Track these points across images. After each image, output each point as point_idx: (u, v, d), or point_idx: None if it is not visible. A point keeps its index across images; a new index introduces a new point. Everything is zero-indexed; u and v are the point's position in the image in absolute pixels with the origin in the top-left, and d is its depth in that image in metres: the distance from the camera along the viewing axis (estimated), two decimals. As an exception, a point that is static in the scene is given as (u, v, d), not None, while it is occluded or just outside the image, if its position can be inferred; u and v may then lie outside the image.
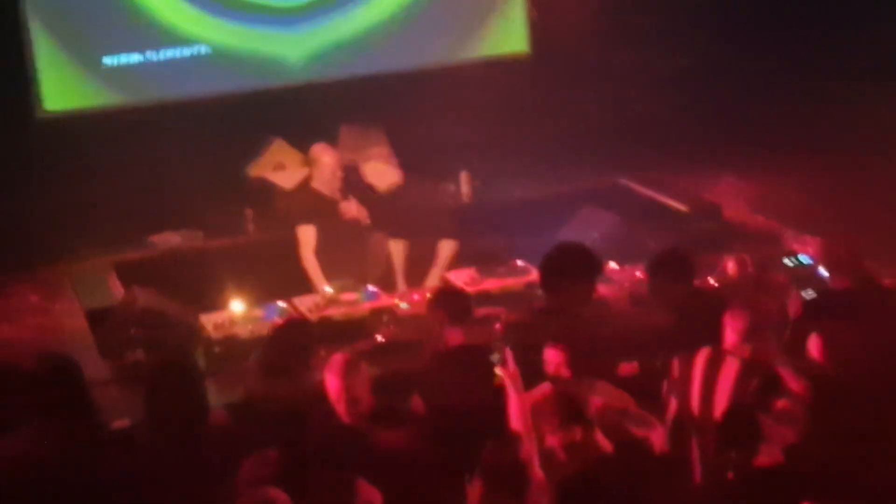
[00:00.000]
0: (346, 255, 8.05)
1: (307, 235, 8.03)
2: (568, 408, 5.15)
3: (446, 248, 8.30)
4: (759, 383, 5.19)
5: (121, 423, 5.97)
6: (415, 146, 9.52)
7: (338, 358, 5.42)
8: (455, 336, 5.85)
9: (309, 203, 8.17)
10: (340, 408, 5.31)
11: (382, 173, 9.06)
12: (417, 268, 8.37)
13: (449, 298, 6.15)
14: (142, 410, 5.50)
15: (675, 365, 5.60)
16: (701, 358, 5.51)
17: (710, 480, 5.12)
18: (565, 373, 5.49)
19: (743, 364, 5.38)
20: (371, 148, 9.46)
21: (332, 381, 5.33)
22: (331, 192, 8.16)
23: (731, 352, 5.44)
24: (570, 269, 6.17)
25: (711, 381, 5.42)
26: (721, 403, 5.32)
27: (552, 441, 5.08)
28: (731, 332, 5.46)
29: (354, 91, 10.03)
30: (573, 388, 5.36)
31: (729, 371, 5.40)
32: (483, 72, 10.39)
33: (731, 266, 6.88)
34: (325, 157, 8.27)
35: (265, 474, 4.75)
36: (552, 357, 5.52)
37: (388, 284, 7.98)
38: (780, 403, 5.08)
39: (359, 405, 5.28)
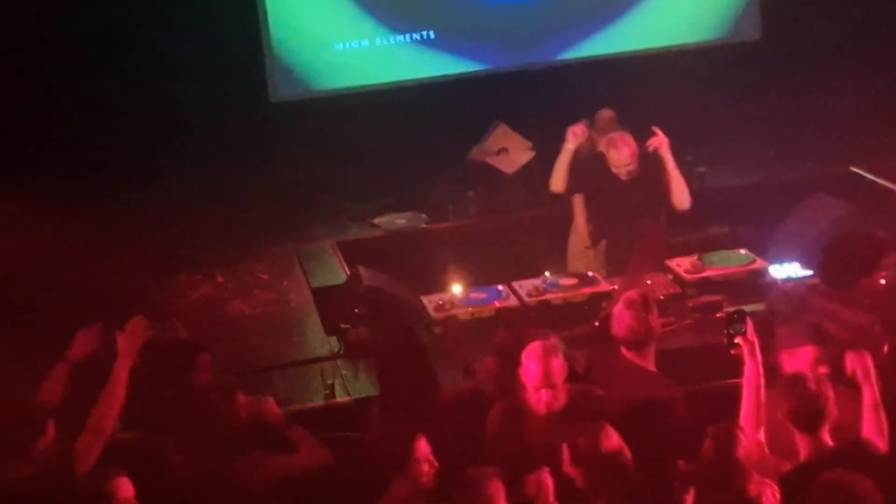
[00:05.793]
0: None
1: (580, 203, 7.74)
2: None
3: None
4: None
5: (343, 399, 6.16)
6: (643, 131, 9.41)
7: (536, 345, 5.26)
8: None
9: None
10: (537, 395, 5.17)
11: None
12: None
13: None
14: (373, 385, 5.64)
15: None
16: None
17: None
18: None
19: None
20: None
21: (529, 368, 5.20)
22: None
23: None
24: (857, 261, 5.94)
25: None
26: None
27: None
28: None
29: (579, 74, 10.00)
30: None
31: None
32: (711, 55, 10.20)
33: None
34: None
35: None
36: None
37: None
38: None
39: (556, 392, 5.16)
